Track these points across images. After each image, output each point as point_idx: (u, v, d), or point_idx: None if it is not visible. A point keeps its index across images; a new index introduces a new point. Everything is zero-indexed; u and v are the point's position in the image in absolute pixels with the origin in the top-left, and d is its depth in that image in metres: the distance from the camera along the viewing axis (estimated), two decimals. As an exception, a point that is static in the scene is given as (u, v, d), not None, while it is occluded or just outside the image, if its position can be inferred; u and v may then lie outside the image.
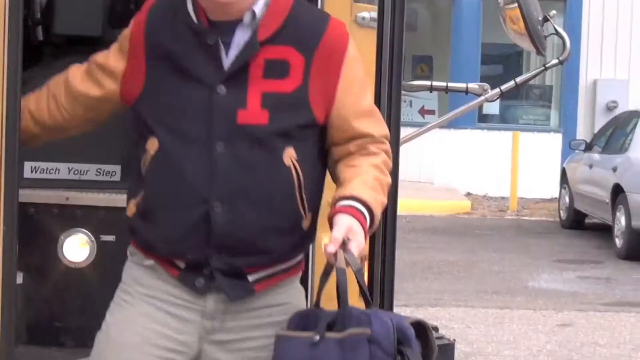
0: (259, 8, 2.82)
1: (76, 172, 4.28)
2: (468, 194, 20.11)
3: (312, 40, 2.86)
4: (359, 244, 2.75)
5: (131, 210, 2.99)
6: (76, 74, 3.11)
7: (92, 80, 3.06)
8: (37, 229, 4.01)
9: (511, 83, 4.70)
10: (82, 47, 4.85)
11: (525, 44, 4.35)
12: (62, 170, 4.25)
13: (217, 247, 2.82)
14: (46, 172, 4.10)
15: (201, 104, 2.80)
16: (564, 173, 17.44)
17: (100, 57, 3.07)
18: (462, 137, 20.44)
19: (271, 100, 2.80)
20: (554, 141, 21.03)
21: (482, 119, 20.62)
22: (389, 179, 3.00)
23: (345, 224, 2.73)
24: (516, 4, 4.18)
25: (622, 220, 13.73)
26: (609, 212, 14.35)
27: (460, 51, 20.60)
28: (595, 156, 15.51)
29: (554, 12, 4.36)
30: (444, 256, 13.20)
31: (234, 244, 2.82)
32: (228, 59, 2.81)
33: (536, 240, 15.47)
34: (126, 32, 2.97)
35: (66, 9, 4.92)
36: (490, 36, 19.43)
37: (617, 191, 13.99)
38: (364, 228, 2.79)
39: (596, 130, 18.76)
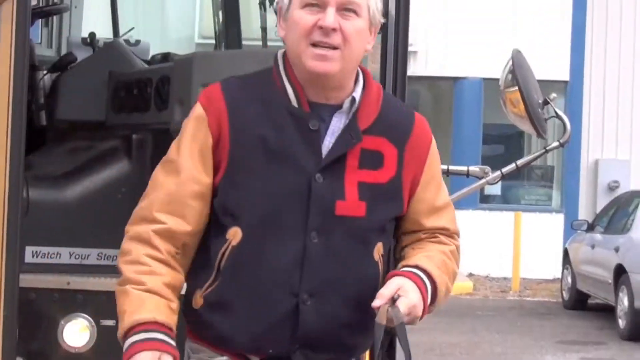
0: (358, 95, 2.71)
1: (77, 256, 4.23)
2: (470, 275, 20.02)
3: (404, 133, 2.80)
4: (409, 302, 2.63)
5: (198, 302, 2.74)
6: (180, 221, 2.63)
7: (204, 208, 2.69)
8: (37, 314, 3.98)
9: (512, 166, 4.69)
10: (85, 132, 4.90)
11: (526, 127, 4.34)
12: (64, 254, 4.22)
13: (301, 341, 2.67)
14: (47, 257, 4.07)
15: (298, 192, 2.63)
16: (566, 253, 17.37)
17: (191, 188, 2.61)
18: (464, 218, 20.35)
19: (368, 191, 2.68)
20: (556, 221, 20.98)
21: (484, 200, 20.56)
22: (456, 269, 2.94)
23: (396, 282, 2.65)
24: (517, 87, 4.17)
25: (624, 300, 13.65)
26: (611, 292, 14.26)
27: (461, 132, 20.63)
28: (598, 236, 15.46)
29: (554, 95, 4.35)
30: (447, 338, 13.13)
31: (319, 339, 2.68)
32: (325, 146, 2.66)
33: (539, 321, 15.36)
34: (201, 140, 2.60)
35: (69, 95, 4.96)
36: (491, 117, 19.47)
37: (620, 272, 13.91)
38: (421, 292, 2.68)
39: (598, 210, 18.72)
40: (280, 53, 2.77)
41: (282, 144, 2.59)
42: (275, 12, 2.78)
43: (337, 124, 2.66)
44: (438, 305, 2.83)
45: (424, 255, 2.78)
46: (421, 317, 2.71)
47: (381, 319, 2.55)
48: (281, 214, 2.61)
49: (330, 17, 2.50)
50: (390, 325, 2.59)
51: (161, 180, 2.63)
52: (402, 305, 2.59)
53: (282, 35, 2.70)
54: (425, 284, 2.69)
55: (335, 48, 2.53)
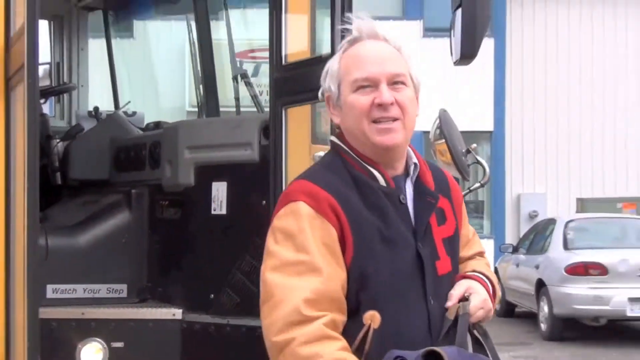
0: (416, 160, 2.54)
1: (90, 291, 4.24)
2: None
3: (447, 186, 2.65)
4: (480, 297, 2.55)
5: None
6: (336, 314, 2.30)
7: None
8: (58, 340, 3.99)
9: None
10: (93, 188, 4.93)
11: (453, 172, 4.33)
12: (79, 290, 4.20)
13: None
14: (65, 292, 4.08)
15: (413, 266, 2.43)
16: (496, 271, 17.33)
17: (336, 283, 2.31)
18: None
19: (448, 245, 2.54)
20: (487, 246, 20.91)
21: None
22: (495, 280, 2.79)
23: (464, 284, 2.55)
24: (443, 140, 4.18)
25: (545, 308, 13.62)
26: (534, 302, 14.22)
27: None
28: (521, 257, 15.46)
29: (474, 145, 4.36)
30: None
31: None
32: (411, 214, 2.47)
33: None
34: (326, 237, 2.30)
35: (79, 158, 4.99)
36: (431, 156, 19.53)
37: (540, 285, 13.89)
38: (486, 290, 2.61)
39: (521, 235, 18.76)
40: (335, 140, 2.54)
41: (390, 226, 2.39)
42: (324, 101, 2.59)
43: (409, 190, 2.50)
44: (494, 304, 2.71)
45: (477, 264, 2.73)
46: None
47: (451, 315, 2.48)
48: (406, 290, 2.42)
49: (385, 93, 2.37)
50: (459, 316, 2.50)
51: (295, 284, 2.25)
52: (476, 301, 2.53)
53: (337, 121, 2.51)
54: (487, 284, 2.63)
55: (395, 120, 2.40)
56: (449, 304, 2.48)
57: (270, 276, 2.31)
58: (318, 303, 2.21)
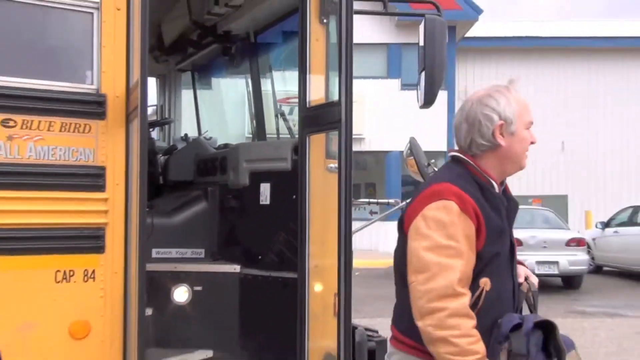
0: None
1: (180, 253, 4.27)
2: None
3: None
4: (535, 278, 2.57)
5: None
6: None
7: None
8: (160, 285, 4.03)
9: (411, 200, 4.70)
10: (183, 186, 4.97)
11: (418, 178, 4.33)
12: (172, 252, 4.26)
13: None
14: (163, 254, 4.12)
15: (508, 249, 2.41)
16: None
17: (471, 266, 2.27)
18: (391, 226, 20.26)
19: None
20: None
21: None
22: None
23: (523, 268, 2.57)
24: (412, 157, 4.18)
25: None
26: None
27: (390, 180, 20.61)
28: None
29: (432, 160, 4.34)
30: (383, 290, 12.87)
31: None
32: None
33: None
34: (468, 230, 2.24)
35: (174, 167, 5.05)
36: (405, 171, 19.53)
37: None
38: None
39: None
40: (461, 156, 2.45)
41: (502, 221, 2.35)
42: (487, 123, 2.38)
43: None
44: None
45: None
46: None
47: (524, 288, 2.49)
48: (505, 266, 2.38)
49: (534, 134, 2.42)
50: (527, 292, 2.50)
51: (449, 263, 2.18)
52: (534, 280, 2.55)
53: (504, 144, 2.36)
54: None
55: None
56: (521, 280, 2.49)
57: (425, 254, 2.24)
58: (462, 281, 2.18)
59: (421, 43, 3.75)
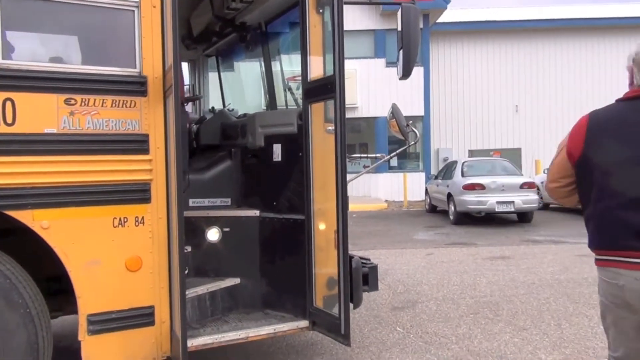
0: None
1: (211, 202, 4.25)
2: (386, 200, 19.79)
3: None
4: None
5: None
6: None
7: None
8: (194, 227, 4.03)
9: (393, 154, 4.71)
10: (212, 148, 4.94)
11: (399, 136, 4.30)
12: (205, 202, 4.22)
13: None
14: (198, 203, 4.10)
15: None
16: (426, 189, 17.32)
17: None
18: (381, 176, 20.29)
19: None
20: (421, 176, 20.85)
21: (391, 168, 20.37)
22: None
23: None
24: (394, 119, 4.16)
25: (452, 207, 13.59)
26: (446, 204, 14.13)
27: (379, 139, 20.39)
28: (440, 181, 15.27)
29: (411, 122, 4.32)
30: (375, 227, 13.03)
31: None
32: None
33: (416, 218, 15.22)
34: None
35: (204, 133, 5.02)
36: (391, 132, 19.46)
37: (449, 195, 13.78)
38: None
39: (439, 169, 18.70)
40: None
41: None
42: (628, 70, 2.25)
43: None
44: None
45: None
46: None
47: None
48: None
49: None
50: None
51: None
52: None
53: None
54: None
55: None
56: None
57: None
58: None
59: (399, 27, 3.71)
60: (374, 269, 4.09)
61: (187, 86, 6.45)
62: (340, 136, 3.47)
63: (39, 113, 2.92)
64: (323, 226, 3.76)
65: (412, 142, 4.27)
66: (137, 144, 3.16)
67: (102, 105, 3.06)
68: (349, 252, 3.55)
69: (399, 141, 23.40)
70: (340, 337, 3.49)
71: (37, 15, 3.12)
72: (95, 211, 3.06)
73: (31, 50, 3.26)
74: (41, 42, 3.15)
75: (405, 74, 3.66)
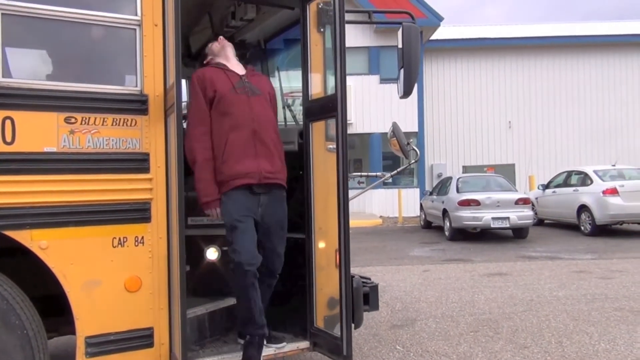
0: None
1: (209, 220, 3.91)
2: (380, 216, 19.79)
3: None
4: None
5: None
6: None
7: None
8: (195, 246, 3.96)
9: (394, 172, 4.66)
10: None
11: (400, 154, 4.27)
12: (204, 220, 3.84)
13: None
14: (197, 221, 3.99)
15: None
16: (421, 205, 17.31)
17: None
18: (377, 193, 20.27)
19: None
20: (416, 192, 20.89)
21: (385, 184, 20.37)
22: None
23: None
24: (395, 138, 4.13)
25: (447, 224, 13.58)
26: (442, 220, 14.13)
27: (373, 156, 20.51)
28: (434, 197, 15.28)
29: (412, 140, 4.30)
30: (370, 244, 13.00)
31: None
32: None
33: (411, 234, 15.18)
34: None
35: None
36: (386, 148, 19.44)
37: (445, 211, 13.79)
38: None
39: (433, 185, 18.73)
40: None
41: None
42: None
43: None
44: None
45: None
46: None
47: None
48: None
49: None
50: None
51: None
52: None
53: None
54: None
55: None
56: None
57: None
58: None
59: (400, 45, 3.69)
60: (375, 288, 4.03)
61: (186, 103, 6.39)
62: (342, 155, 3.44)
63: (38, 132, 2.87)
64: (324, 245, 3.71)
65: (414, 161, 4.23)
66: (137, 163, 3.11)
67: (102, 124, 3.02)
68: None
69: (393, 157, 23.84)
70: (342, 358, 3.43)
71: (37, 32, 3.09)
72: (94, 231, 3.00)
73: (31, 68, 3.22)
74: (42, 60, 3.11)
75: (407, 92, 3.64)
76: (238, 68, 3.44)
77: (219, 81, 3.25)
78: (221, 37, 3.55)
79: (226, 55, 3.42)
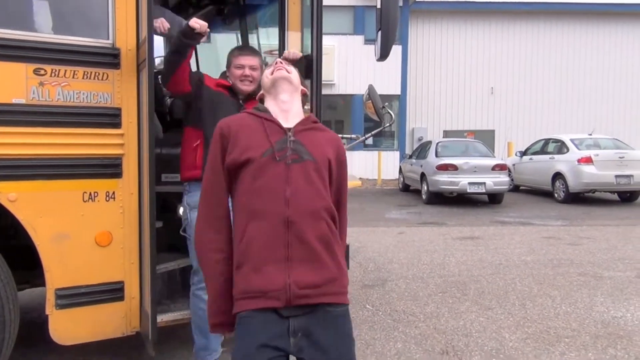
0: None
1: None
2: (360, 178, 19.84)
3: None
4: None
5: None
6: None
7: None
8: (166, 202, 3.97)
9: (369, 135, 4.67)
10: (180, 123, 4.81)
11: (375, 117, 4.28)
12: (178, 177, 3.95)
13: None
14: (171, 178, 3.97)
15: None
16: (400, 168, 17.40)
17: None
18: (357, 155, 20.29)
19: None
20: (396, 155, 20.96)
21: (365, 146, 20.32)
22: None
23: None
24: (370, 100, 4.14)
25: (424, 187, 13.67)
26: (419, 184, 14.24)
27: (355, 118, 20.45)
28: (414, 160, 15.30)
29: (387, 103, 4.29)
30: (349, 205, 13.14)
31: None
32: None
33: (389, 197, 15.26)
34: None
35: (177, 107, 4.87)
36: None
37: (422, 175, 13.87)
38: None
39: (414, 149, 18.79)
40: None
41: None
42: None
43: None
44: None
45: None
46: None
47: None
48: None
49: None
50: None
51: None
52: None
53: None
54: None
55: None
56: None
57: None
58: None
59: (378, 6, 3.66)
60: (347, 248, 4.08)
61: (161, 58, 6.31)
62: (317, 115, 3.43)
63: (6, 82, 2.83)
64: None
65: (387, 124, 4.25)
66: (109, 118, 3.08)
67: (73, 77, 2.97)
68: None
69: (375, 120, 23.62)
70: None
71: (6, -20, 3.00)
72: (64, 185, 2.99)
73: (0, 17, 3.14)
74: (10, 8, 3.03)
75: (383, 55, 3.62)
76: (289, 116, 2.03)
77: (250, 138, 1.94)
78: (279, 60, 2.13)
79: (276, 94, 2.05)
